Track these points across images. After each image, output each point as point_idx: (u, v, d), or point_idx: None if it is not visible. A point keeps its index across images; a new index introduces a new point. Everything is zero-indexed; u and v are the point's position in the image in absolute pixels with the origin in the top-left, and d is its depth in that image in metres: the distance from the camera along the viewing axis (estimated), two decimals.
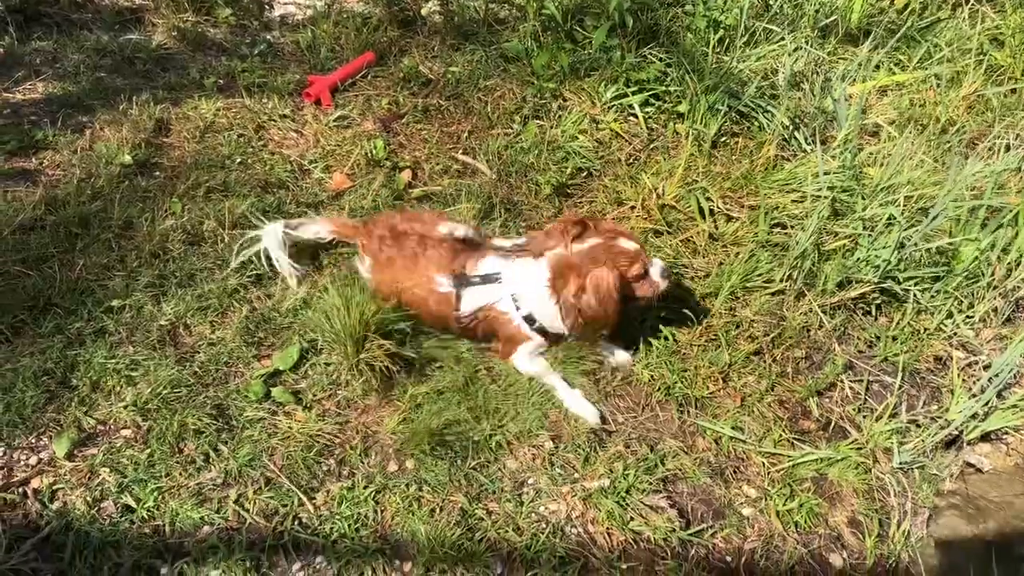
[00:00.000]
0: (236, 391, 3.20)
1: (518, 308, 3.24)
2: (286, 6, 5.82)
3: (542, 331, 3.27)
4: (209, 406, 3.11)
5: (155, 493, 2.80)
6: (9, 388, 3.04)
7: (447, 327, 3.40)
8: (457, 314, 3.29)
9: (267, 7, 5.69)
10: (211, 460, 2.95)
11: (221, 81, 4.90)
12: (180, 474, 2.88)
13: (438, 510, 2.87)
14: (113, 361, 3.19)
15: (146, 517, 2.74)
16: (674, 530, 2.93)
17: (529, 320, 3.24)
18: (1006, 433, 3.73)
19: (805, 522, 3.09)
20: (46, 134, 4.29)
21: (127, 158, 4.14)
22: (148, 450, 2.93)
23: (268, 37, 5.45)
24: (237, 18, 5.49)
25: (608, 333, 3.32)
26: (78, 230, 3.73)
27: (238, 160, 4.31)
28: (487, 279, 3.26)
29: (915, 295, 3.87)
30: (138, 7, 5.55)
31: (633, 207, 4.18)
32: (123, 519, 2.72)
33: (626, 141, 4.67)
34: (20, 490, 2.77)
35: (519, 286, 3.22)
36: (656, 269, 3.27)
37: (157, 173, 4.18)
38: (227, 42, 5.37)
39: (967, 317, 3.94)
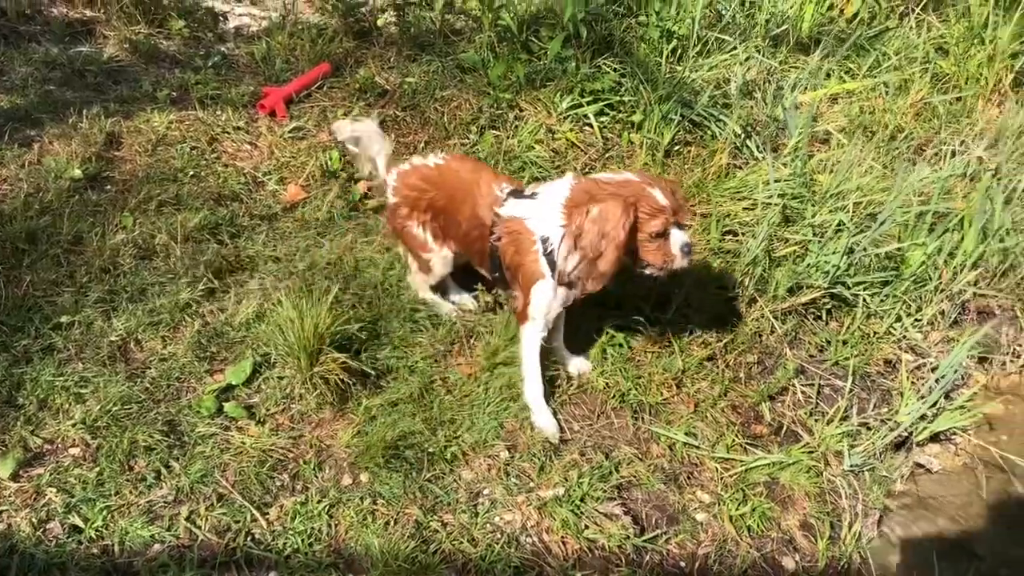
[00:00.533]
0: (188, 407, 3.17)
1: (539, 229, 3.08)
2: (241, 17, 5.79)
3: (554, 266, 3.05)
4: (160, 422, 3.07)
5: (104, 512, 2.76)
6: None
7: (481, 242, 3.28)
8: (495, 219, 3.18)
9: (221, 19, 5.66)
10: (162, 477, 2.92)
11: (174, 94, 4.86)
12: (130, 492, 2.84)
13: (392, 523, 2.86)
14: (61, 379, 3.14)
15: (94, 537, 2.70)
16: (628, 537, 2.94)
17: (545, 245, 3.05)
18: (954, 434, 3.81)
19: (758, 526, 3.12)
20: None
21: (77, 172, 4.09)
22: (97, 468, 2.89)
23: (222, 49, 5.41)
24: (191, 30, 5.45)
25: (599, 286, 3.00)
26: (25, 246, 3.67)
27: (191, 173, 4.27)
28: (533, 195, 3.15)
29: (864, 299, 3.94)
30: (89, 19, 5.49)
31: None
32: (70, 540, 2.67)
33: (582, 151, 4.71)
34: None
35: (545, 204, 3.07)
36: (677, 238, 2.96)
37: (108, 187, 4.14)
38: (180, 54, 5.32)
39: (915, 320, 4.02)
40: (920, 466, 3.74)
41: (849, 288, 3.91)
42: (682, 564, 2.97)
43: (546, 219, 3.04)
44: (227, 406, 3.17)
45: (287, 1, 5.70)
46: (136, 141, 4.43)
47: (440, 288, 3.76)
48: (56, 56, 5.08)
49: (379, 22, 5.51)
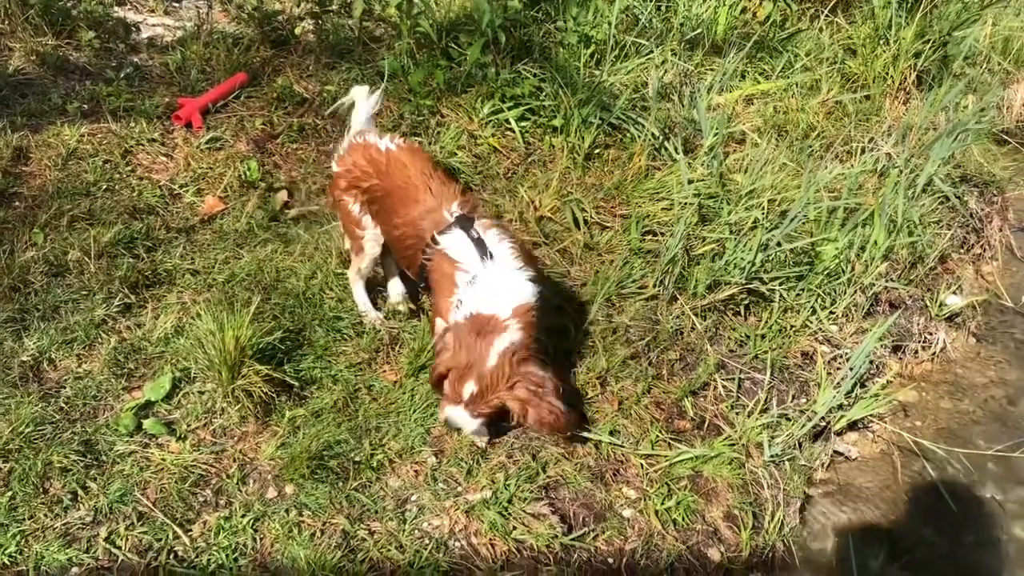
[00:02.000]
0: (105, 425, 3.09)
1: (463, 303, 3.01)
2: (154, 28, 5.67)
3: None
4: (76, 442, 2.99)
5: (17, 538, 2.67)
6: None
7: (414, 251, 3.23)
8: (431, 242, 3.12)
9: (134, 29, 5.52)
10: (79, 498, 2.83)
11: (85, 106, 4.72)
12: (45, 515, 2.76)
13: (319, 534, 2.83)
14: None
15: (7, 563, 2.61)
16: (556, 536, 2.96)
17: (460, 306, 3.03)
18: (871, 421, 3.95)
19: (683, 519, 3.17)
20: None
21: None
22: (9, 493, 2.79)
23: (135, 60, 5.28)
24: (101, 41, 5.30)
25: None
26: None
27: (104, 187, 4.17)
28: (479, 245, 3.04)
29: (781, 294, 4.04)
30: None
31: (512, 220, 4.24)
32: None
33: (504, 156, 4.74)
34: None
35: (481, 291, 2.99)
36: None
37: (16, 203, 4.01)
38: (91, 66, 5.17)
39: (830, 313, 4.15)
40: (839, 454, 3.86)
41: (765, 283, 4.00)
42: (610, 560, 3.01)
43: (473, 294, 3.00)
44: (146, 423, 3.09)
45: (202, 11, 5.62)
46: (45, 155, 4.30)
47: (387, 273, 3.79)
48: None
49: (296, 30, 5.45)
